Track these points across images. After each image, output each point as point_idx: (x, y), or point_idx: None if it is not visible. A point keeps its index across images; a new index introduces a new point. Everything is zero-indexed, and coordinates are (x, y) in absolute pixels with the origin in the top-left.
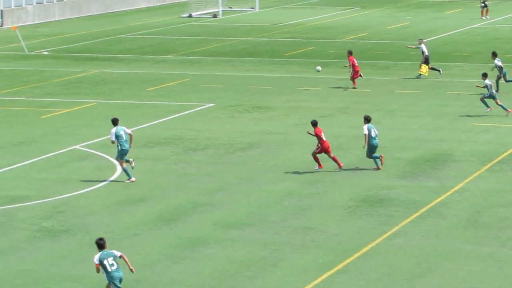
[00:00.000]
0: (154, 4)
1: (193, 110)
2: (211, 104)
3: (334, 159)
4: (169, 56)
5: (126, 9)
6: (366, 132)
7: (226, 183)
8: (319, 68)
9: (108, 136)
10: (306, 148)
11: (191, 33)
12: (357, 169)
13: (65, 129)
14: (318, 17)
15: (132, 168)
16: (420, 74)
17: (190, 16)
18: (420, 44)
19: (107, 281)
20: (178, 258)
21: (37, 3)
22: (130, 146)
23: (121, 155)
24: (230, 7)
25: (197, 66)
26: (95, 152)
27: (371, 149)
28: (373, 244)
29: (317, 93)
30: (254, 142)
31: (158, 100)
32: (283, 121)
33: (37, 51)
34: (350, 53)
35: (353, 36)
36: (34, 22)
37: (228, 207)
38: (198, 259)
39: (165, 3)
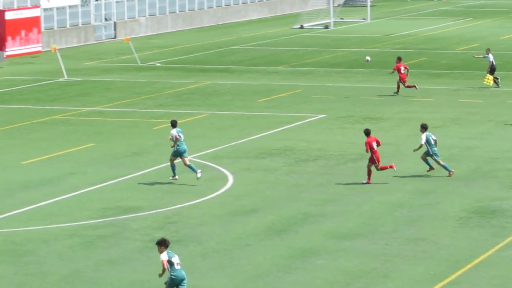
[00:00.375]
0: (266, 16)
1: (304, 121)
2: (323, 115)
3: (369, 172)
4: (281, 67)
5: (238, 20)
6: (423, 142)
7: (338, 194)
8: (368, 58)
9: (219, 148)
10: (417, 159)
11: (303, 44)
12: (468, 180)
13: None
14: (430, 27)
15: (198, 178)
16: (487, 84)
17: (301, 27)
18: (487, 53)
19: (167, 281)
20: (290, 268)
21: (150, 15)
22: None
23: (175, 154)
24: (342, 18)
25: (309, 77)
26: (207, 163)
27: (432, 155)
28: (485, 255)
29: (429, 104)
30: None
31: (270, 111)
32: (394, 132)
33: (150, 63)
34: (399, 59)
35: (465, 47)
36: (147, 34)
37: (339, 218)
38: (310, 270)
39: (277, 14)
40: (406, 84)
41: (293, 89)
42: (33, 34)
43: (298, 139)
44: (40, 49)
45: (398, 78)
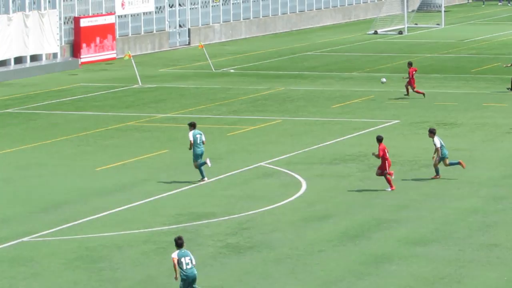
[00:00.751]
0: (340, 21)
1: (378, 127)
2: (396, 121)
3: (388, 179)
4: (355, 73)
5: (312, 26)
6: (438, 145)
7: (411, 200)
8: (384, 80)
9: (292, 154)
10: (491, 164)
11: (377, 50)
12: None
13: (251, 146)
14: (505, 33)
15: (209, 166)
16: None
17: (375, 33)
18: None
19: (179, 279)
20: (363, 274)
21: (224, 22)
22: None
23: (195, 157)
24: (416, 24)
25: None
26: (280, 169)
27: (444, 158)
28: None
29: (503, 109)
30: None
31: (343, 117)
32: (468, 137)
33: (224, 69)
34: (411, 64)
35: None
36: (221, 40)
37: (412, 223)
38: (382, 275)
39: (351, 20)
40: (415, 89)
41: (366, 95)
42: (108, 41)
43: (371, 145)
44: (114, 56)
45: (408, 82)
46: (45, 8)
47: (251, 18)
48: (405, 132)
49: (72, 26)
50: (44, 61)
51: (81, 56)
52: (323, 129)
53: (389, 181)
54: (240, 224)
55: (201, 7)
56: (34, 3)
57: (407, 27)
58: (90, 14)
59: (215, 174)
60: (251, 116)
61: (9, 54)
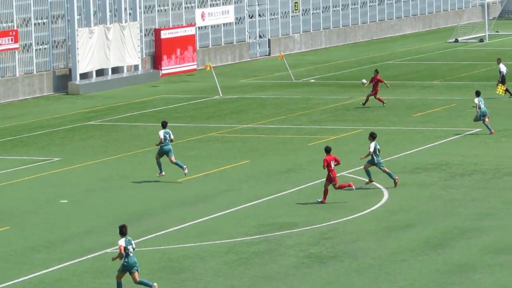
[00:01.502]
0: (420, 30)
1: (459, 136)
2: (478, 129)
3: (325, 191)
4: (436, 82)
5: (392, 35)
6: (372, 150)
7: (494, 208)
8: (364, 80)
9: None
10: None
11: (458, 58)
12: None
13: None
14: None
15: (185, 174)
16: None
17: (456, 41)
18: (498, 64)
19: (120, 266)
20: (446, 284)
21: (304, 32)
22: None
23: (160, 153)
24: (497, 31)
25: (464, 91)
26: (362, 178)
27: (377, 164)
28: None
29: None
30: None
31: (424, 125)
32: None
33: (304, 79)
34: (377, 72)
35: None
36: (301, 50)
37: (496, 232)
38: (466, 284)
39: (431, 28)
40: (377, 96)
41: (448, 103)
42: (188, 53)
43: (453, 154)
44: (195, 67)
45: (372, 90)
46: (126, 21)
47: (331, 27)
48: (487, 140)
49: (153, 38)
50: (125, 73)
51: (162, 68)
52: (404, 138)
53: (325, 193)
54: (322, 233)
55: (281, 17)
56: (115, 15)
57: (488, 34)
58: (171, 26)
59: (297, 184)
60: (331, 125)
61: (90, 66)
